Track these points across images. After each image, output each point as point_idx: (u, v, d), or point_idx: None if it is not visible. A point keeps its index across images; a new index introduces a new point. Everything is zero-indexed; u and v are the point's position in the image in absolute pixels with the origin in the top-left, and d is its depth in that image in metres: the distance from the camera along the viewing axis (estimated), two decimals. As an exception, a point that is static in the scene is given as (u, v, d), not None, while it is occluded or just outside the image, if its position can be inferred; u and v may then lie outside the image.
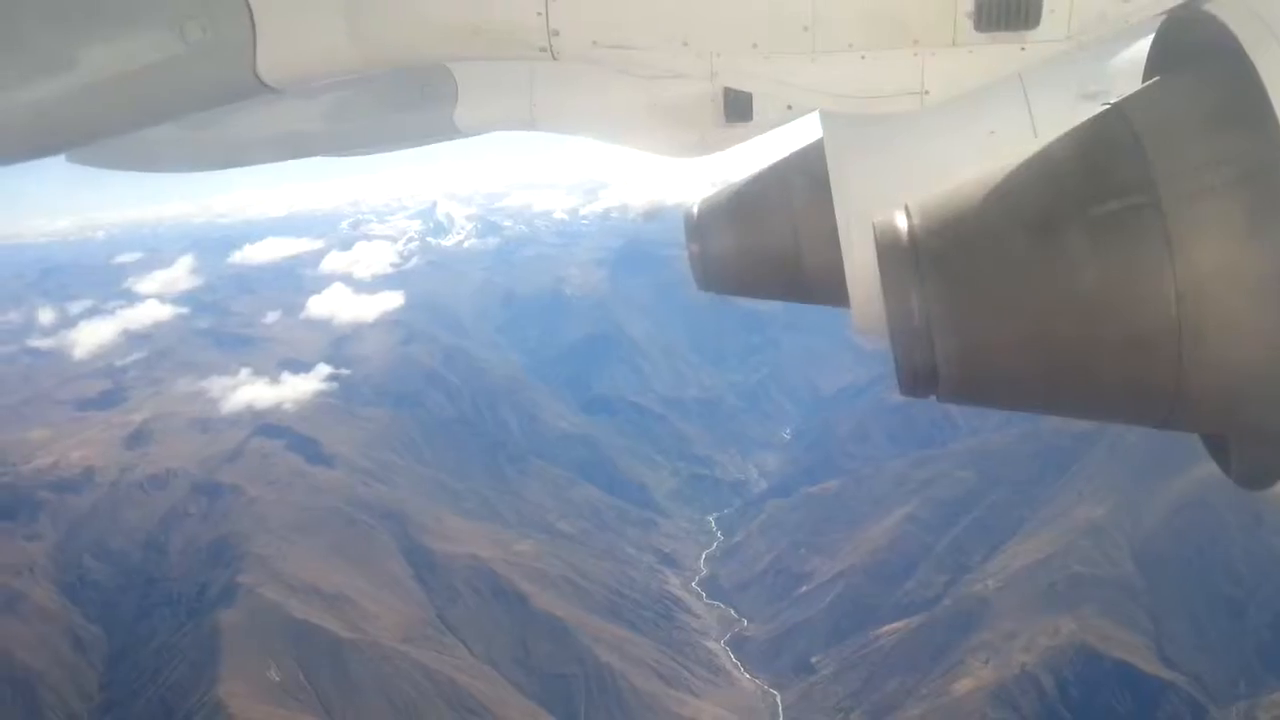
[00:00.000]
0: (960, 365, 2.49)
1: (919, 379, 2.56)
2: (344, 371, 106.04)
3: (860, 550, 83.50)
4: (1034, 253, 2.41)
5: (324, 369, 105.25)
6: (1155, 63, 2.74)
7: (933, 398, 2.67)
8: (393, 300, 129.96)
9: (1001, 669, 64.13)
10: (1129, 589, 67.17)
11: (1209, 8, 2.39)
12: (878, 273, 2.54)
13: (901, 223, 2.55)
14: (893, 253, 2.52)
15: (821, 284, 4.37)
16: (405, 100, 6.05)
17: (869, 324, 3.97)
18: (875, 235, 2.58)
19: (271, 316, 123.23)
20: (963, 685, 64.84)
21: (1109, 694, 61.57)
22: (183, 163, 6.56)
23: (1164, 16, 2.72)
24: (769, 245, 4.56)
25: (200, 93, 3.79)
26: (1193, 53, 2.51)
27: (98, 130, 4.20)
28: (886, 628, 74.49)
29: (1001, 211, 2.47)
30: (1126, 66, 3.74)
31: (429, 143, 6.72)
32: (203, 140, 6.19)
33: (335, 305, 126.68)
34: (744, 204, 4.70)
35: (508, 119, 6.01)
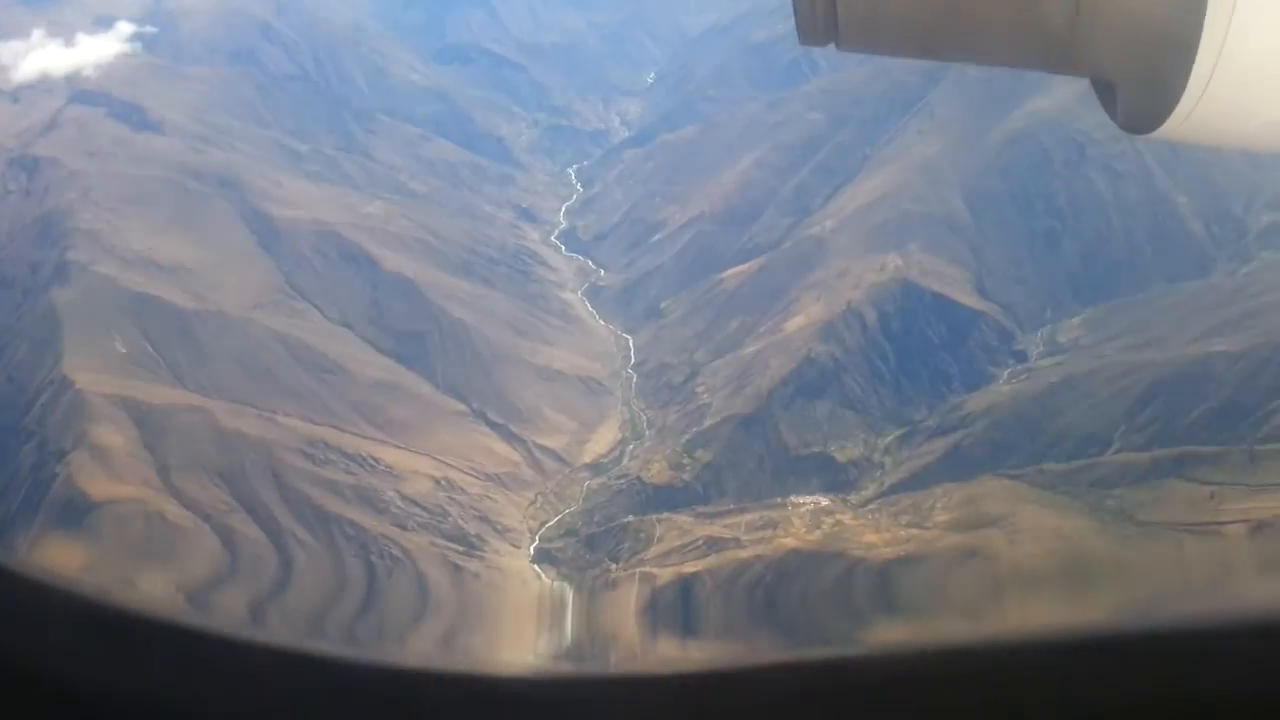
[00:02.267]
0: (861, 9, 2.39)
1: (819, 24, 2.43)
2: (148, 29, 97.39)
3: (712, 196, 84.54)
4: None
5: (126, 28, 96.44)
6: None
7: (832, 46, 2.49)
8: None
9: (830, 305, 67.73)
10: (955, 224, 70.20)
11: None
12: None
13: None
14: None
15: None
16: None
17: None
18: None
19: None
20: (794, 323, 68.62)
21: (926, 324, 65.95)
22: None
23: None
24: None
25: None
26: None
27: None
28: (731, 271, 77.17)
29: None
30: None
31: None
32: None
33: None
34: None
35: None
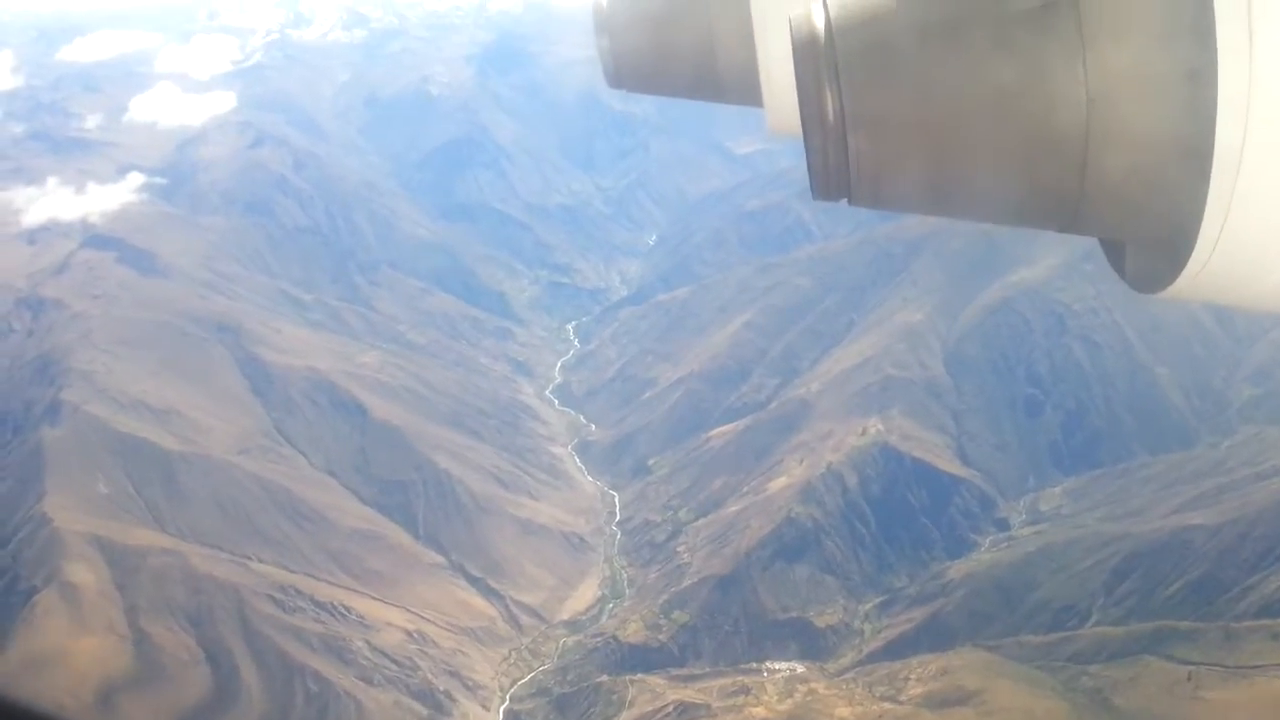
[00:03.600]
0: (873, 166, 2.45)
1: (831, 181, 2.50)
2: (159, 180, 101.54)
3: (701, 356, 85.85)
4: (949, 51, 2.37)
5: (138, 178, 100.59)
6: None
7: (844, 201, 2.59)
8: (225, 102, 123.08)
9: (812, 467, 67.84)
10: (936, 390, 70.88)
11: None
12: (793, 71, 2.48)
13: (818, 18, 2.47)
14: (808, 50, 2.45)
15: (736, 82, 4.17)
16: None
17: (783, 125, 3.83)
18: (791, 31, 2.50)
19: (95, 120, 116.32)
20: (777, 484, 68.64)
21: (906, 489, 65.87)
22: None
23: None
24: (682, 41, 4.29)
25: None
26: None
27: None
28: (718, 430, 77.68)
29: (920, 8, 2.41)
30: None
31: None
32: None
33: (164, 106, 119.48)
34: None
35: None
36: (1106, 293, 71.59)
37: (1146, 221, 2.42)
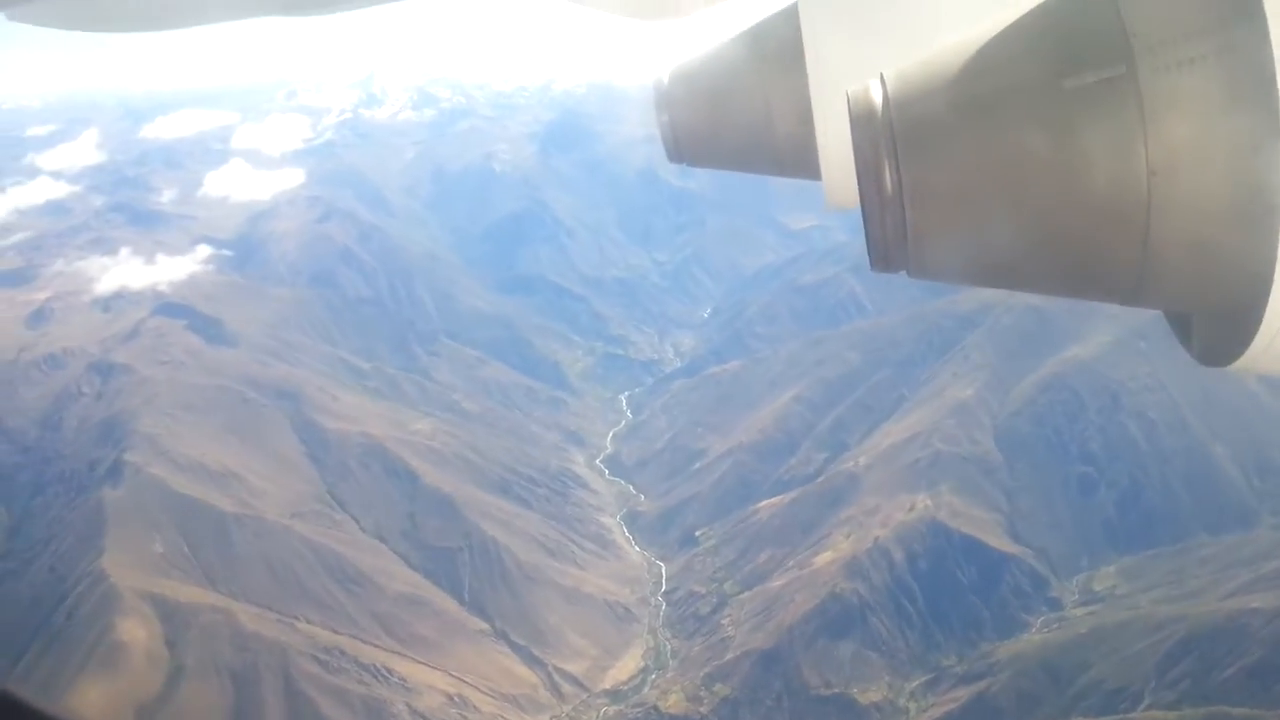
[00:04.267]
0: (931, 239, 2.46)
1: (890, 253, 2.52)
2: (229, 252, 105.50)
3: (751, 429, 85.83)
4: (1008, 125, 2.37)
5: (211, 249, 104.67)
6: None
7: (903, 273, 2.59)
8: (295, 177, 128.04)
9: (859, 542, 67.12)
10: (986, 467, 69.91)
11: None
12: (851, 145, 2.51)
13: (876, 93, 2.50)
14: (866, 124, 2.48)
15: (794, 156, 4.20)
16: None
17: (840, 198, 3.89)
18: (849, 106, 2.53)
19: (171, 194, 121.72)
20: (823, 558, 67.95)
21: (955, 566, 64.75)
22: (131, 22, 6.07)
23: None
24: (741, 116, 4.32)
25: None
26: None
27: None
28: (765, 502, 77.31)
29: (977, 82, 2.42)
30: None
31: (383, 1, 6.54)
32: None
33: (238, 181, 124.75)
34: (715, 72, 4.45)
35: None
36: (1161, 369, 70.51)
37: (1212, 294, 2.39)
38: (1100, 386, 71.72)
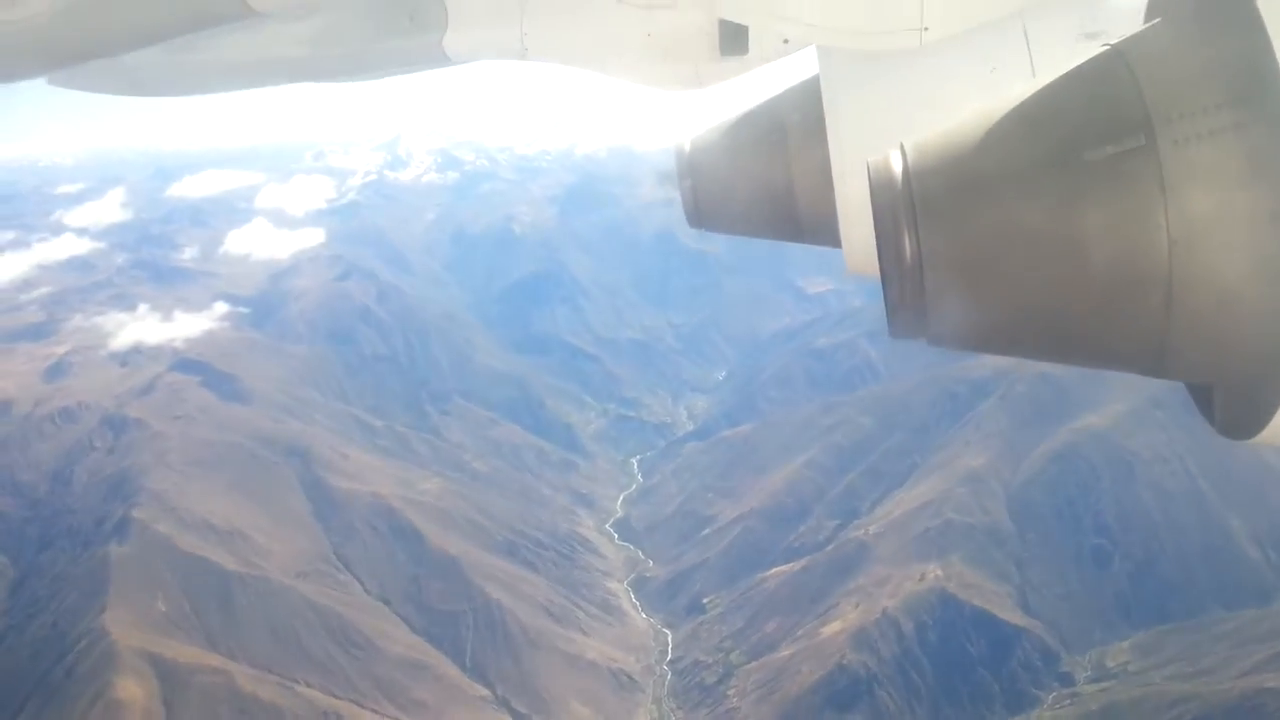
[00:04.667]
0: (950, 307, 2.48)
1: (909, 321, 2.54)
2: (248, 309, 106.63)
3: (761, 494, 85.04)
4: (1028, 196, 2.38)
5: (230, 305, 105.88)
6: (1157, 4, 2.68)
7: (923, 340, 2.62)
8: (315, 236, 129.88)
9: (867, 613, 65.95)
10: (998, 537, 68.80)
11: None
12: (871, 213, 2.53)
13: (896, 163, 2.52)
14: (886, 193, 2.50)
15: (814, 224, 4.30)
16: (394, 26, 5.78)
17: (861, 265, 3.92)
18: (869, 175, 2.56)
19: (193, 251, 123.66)
20: (831, 628, 66.77)
21: (965, 639, 63.42)
22: (166, 87, 6.40)
23: None
24: (762, 183, 4.42)
25: (186, 16, 3.74)
26: None
27: (81, 52, 4.18)
28: (774, 570, 76.27)
29: (997, 153, 2.45)
30: (1128, 7, 3.68)
31: (416, 70, 6.50)
32: (187, 64, 6.02)
33: (260, 240, 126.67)
34: (737, 140, 4.55)
35: (499, 48, 5.76)
36: (1178, 439, 69.50)
37: (1235, 365, 2.39)
38: (1115, 456, 70.67)
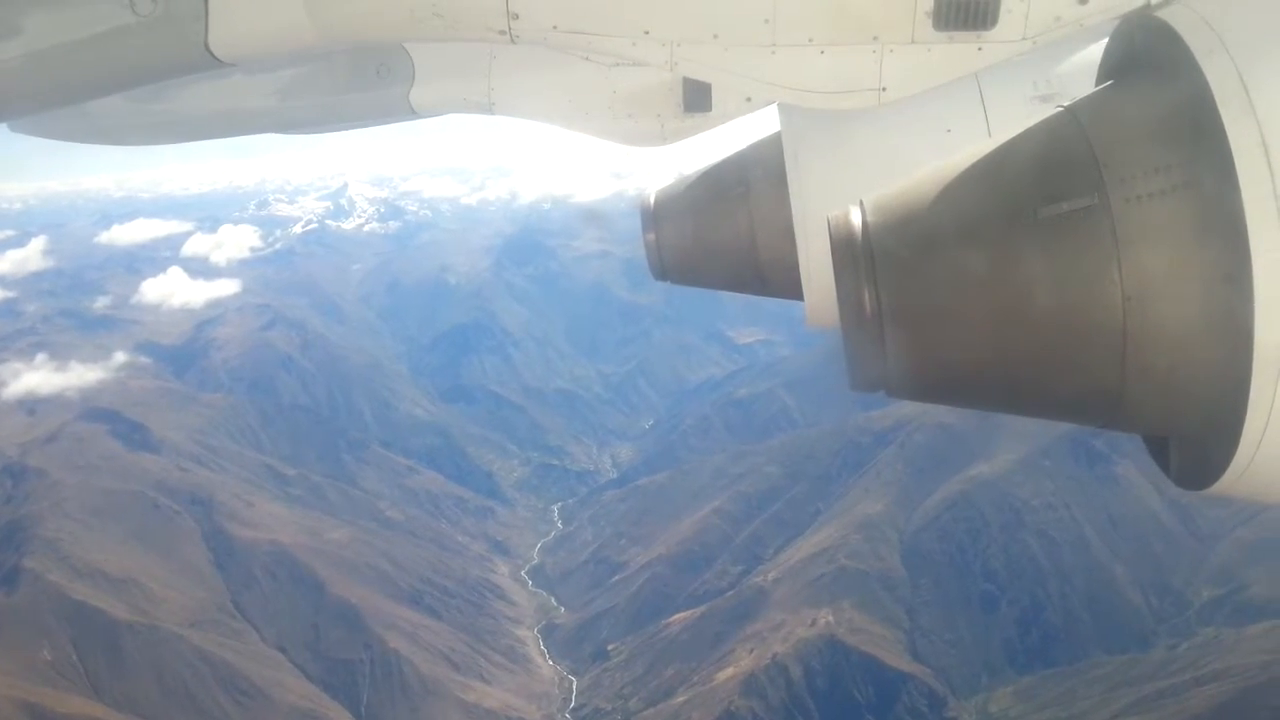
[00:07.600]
0: (910, 361, 2.52)
1: (868, 374, 2.58)
2: (157, 361, 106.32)
3: (671, 541, 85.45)
4: (984, 252, 2.43)
5: (151, 354, 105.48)
6: (1108, 67, 2.74)
7: (881, 393, 2.66)
8: (244, 285, 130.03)
9: (759, 658, 66.28)
10: (890, 583, 69.58)
11: (1162, 14, 2.41)
12: (831, 268, 2.58)
13: (856, 218, 2.57)
14: (846, 248, 2.54)
15: (776, 277, 4.35)
16: (361, 79, 5.91)
17: (821, 318, 4.01)
18: (830, 230, 2.60)
19: (111, 300, 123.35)
20: (725, 674, 66.99)
21: (852, 684, 63.89)
22: (130, 135, 6.45)
23: (1118, 21, 2.74)
24: (725, 237, 4.47)
25: (150, 66, 3.70)
26: (1146, 58, 2.53)
27: (44, 100, 4.17)
28: (677, 616, 76.51)
29: (954, 210, 2.49)
30: (1080, 69, 3.78)
31: (383, 122, 6.60)
32: (152, 113, 6.11)
33: (180, 290, 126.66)
34: (701, 195, 4.62)
35: (465, 102, 5.86)
36: (1065, 488, 70.95)
37: (1189, 418, 2.42)
38: (1004, 504, 71.88)
